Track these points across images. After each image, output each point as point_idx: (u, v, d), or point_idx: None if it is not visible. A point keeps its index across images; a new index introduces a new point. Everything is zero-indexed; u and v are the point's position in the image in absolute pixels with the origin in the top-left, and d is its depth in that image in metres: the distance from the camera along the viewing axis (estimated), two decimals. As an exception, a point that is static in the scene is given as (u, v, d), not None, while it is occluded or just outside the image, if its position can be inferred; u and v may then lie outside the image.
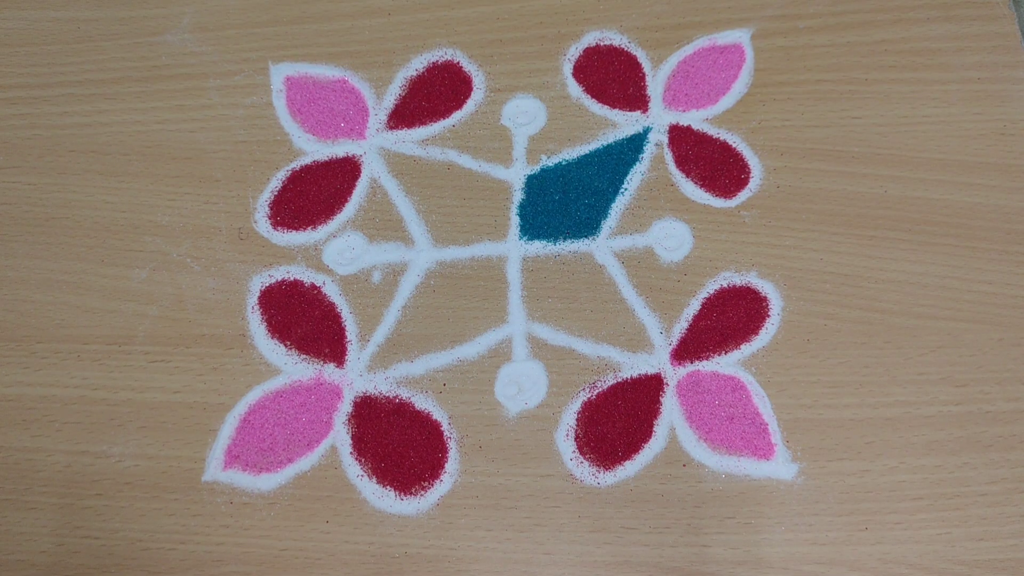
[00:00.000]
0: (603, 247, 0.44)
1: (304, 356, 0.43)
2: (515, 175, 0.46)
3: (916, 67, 0.47)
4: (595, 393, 0.41)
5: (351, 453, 0.41)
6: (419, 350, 0.43)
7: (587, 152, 0.47)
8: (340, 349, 0.43)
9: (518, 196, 0.46)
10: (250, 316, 0.43)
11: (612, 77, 0.48)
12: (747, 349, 0.42)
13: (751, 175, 0.45)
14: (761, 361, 0.41)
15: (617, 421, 0.41)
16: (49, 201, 0.47)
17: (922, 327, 0.42)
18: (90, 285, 0.45)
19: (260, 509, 0.40)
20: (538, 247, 0.45)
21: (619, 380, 0.41)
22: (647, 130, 0.47)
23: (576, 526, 0.39)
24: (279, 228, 0.46)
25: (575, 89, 0.48)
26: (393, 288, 0.44)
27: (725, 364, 0.41)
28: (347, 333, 0.43)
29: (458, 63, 0.49)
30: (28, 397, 0.42)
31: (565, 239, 0.45)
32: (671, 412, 0.41)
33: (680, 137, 0.47)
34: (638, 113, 0.47)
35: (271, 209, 0.46)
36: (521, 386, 0.41)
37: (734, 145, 0.46)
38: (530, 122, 0.47)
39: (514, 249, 0.45)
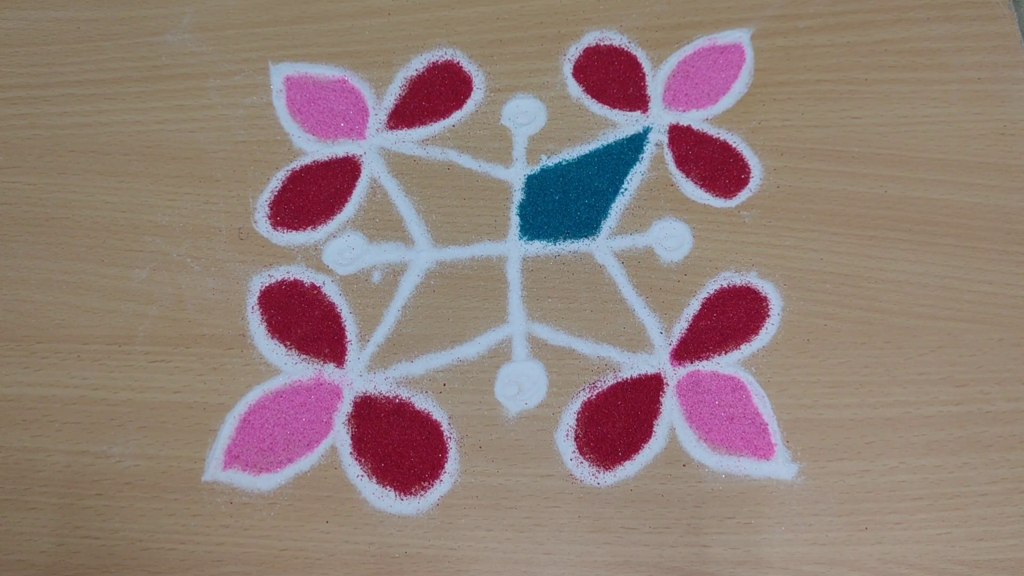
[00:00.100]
0: (603, 247, 0.44)
1: (304, 356, 0.43)
2: (515, 175, 0.46)
3: (916, 67, 0.47)
4: (595, 393, 0.41)
5: (351, 453, 0.41)
6: (419, 350, 0.43)
7: (587, 152, 0.47)
8: (340, 349, 0.43)
9: (518, 196, 0.46)
10: (250, 316, 0.43)
11: (612, 77, 0.48)
12: (747, 349, 0.42)
13: (751, 175, 0.45)
14: (761, 361, 0.41)
15: (617, 421, 0.41)
16: (49, 201, 0.47)
17: (922, 327, 0.42)
18: (90, 285, 0.45)
19: (260, 509, 0.40)
20: (538, 247, 0.45)
21: (619, 380, 0.41)
22: (647, 130, 0.47)
23: (576, 526, 0.39)
24: (279, 228, 0.46)
25: (575, 89, 0.48)
26: (393, 288, 0.44)
27: (725, 364, 0.41)
28: (347, 333, 0.43)
29: (458, 63, 0.49)
30: (28, 397, 0.42)
31: (565, 239, 0.45)
32: (671, 412, 0.41)
33: (680, 137, 0.47)
34: (638, 113, 0.47)
35: (271, 209, 0.46)
36: (521, 386, 0.41)
37: (734, 145, 0.46)
38: (530, 122, 0.47)
39: (514, 249, 0.45)
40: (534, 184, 0.46)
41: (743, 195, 0.45)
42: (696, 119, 0.47)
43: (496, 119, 0.48)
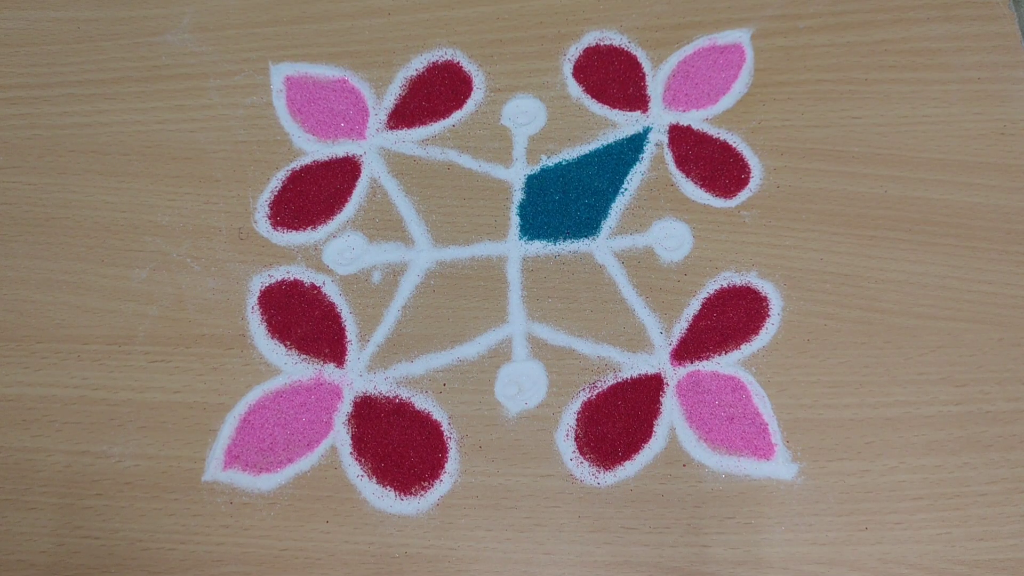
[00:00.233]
0: (603, 247, 0.44)
1: (304, 356, 0.43)
2: (515, 175, 0.46)
3: (916, 67, 0.47)
4: (595, 393, 0.41)
5: (351, 453, 0.41)
6: (419, 350, 0.43)
7: (587, 152, 0.47)
8: (340, 349, 0.43)
9: (518, 196, 0.46)
10: (250, 316, 0.43)
11: (612, 77, 0.48)
12: (747, 349, 0.42)
13: (751, 175, 0.45)
14: (761, 361, 0.41)
15: (617, 421, 0.41)
16: (49, 201, 0.47)
17: (922, 327, 0.41)
18: (90, 285, 0.45)
19: (260, 509, 0.40)
20: (538, 247, 0.45)
21: (619, 380, 0.41)
22: (647, 130, 0.47)
23: (576, 526, 0.39)
24: (279, 228, 0.46)
25: (575, 89, 0.48)
26: (393, 288, 0.44)
27: (725, 364, 0.41)
28: (347, 333, 0.43)
29: (458, 63, 0.49)
30: (28, 397, 0.42)
31: (565, 239, 0.45)
32: (671, 412, 0.41)
33: (680, 137, 0.47)
34: (638, 113, 0.47)
35: (271, 209, 0.46)
36: (521, 386, 0.41)
37: (734, 145, 0.46)
38: (530, 122, 0.47)
39: (514, 249, 0.45)
40: (534, 184, 0.46)
41: (743, 195, 0.45)
42: (696, 119, 0.47)
43: (496, 119, 0.48)
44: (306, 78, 0.49)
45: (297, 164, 0.47)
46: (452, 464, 0.40)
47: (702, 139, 0.46)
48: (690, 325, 0.42)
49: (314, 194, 0.46)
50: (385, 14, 0.51)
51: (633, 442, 0.40)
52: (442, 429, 0.41)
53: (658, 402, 0.41)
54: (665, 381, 0.41)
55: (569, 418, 0.41)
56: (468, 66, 0.49)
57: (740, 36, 0.49)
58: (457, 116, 0.48)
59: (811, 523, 0.38)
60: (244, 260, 0.45)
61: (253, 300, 0.44)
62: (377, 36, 0.50)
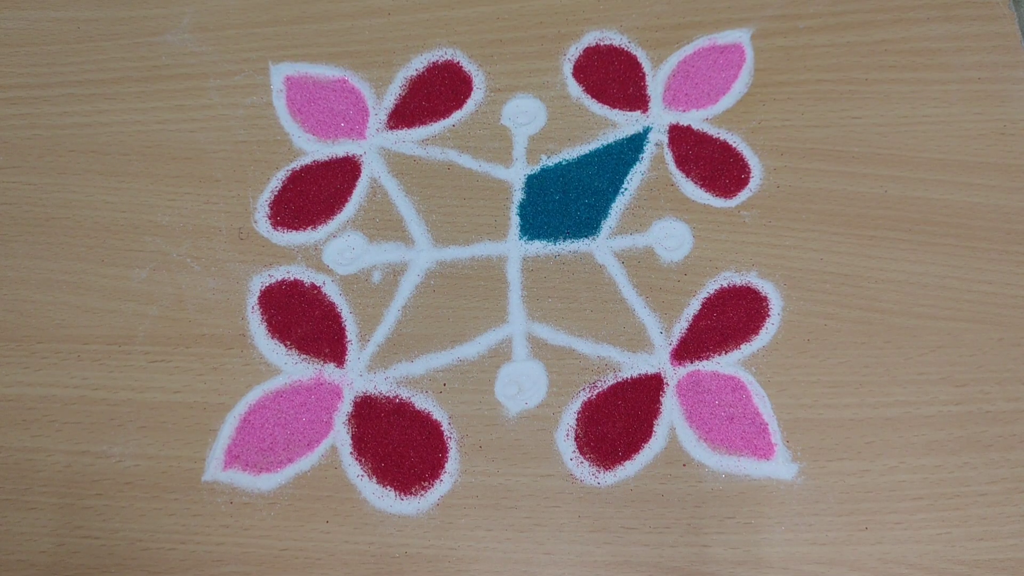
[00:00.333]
0: (603, 247, 0.44)
1: (304, 356, 0.43)
2: (515, 175, 0.46)
3: (916, 67, 0.47)
4: (595, 393, 0.41)
5: (351, 453, 0.41)
6: (419, 350, 0.43)
7: (587, 152, 0.47)
8: (340, 349, 0.43)
9: (518, 196, 0.46)
10: (250, 316, 0.43)
11: (612, 77, 0.48)
12: (747, 349, 0.42)
13: (751, 175, 0.45)
14: (761, 361, 0.41)
15: (617, 421, 0.41)
16: (49, 201, 0.47)
17: (922, 327, 0.42)
18: (90, 285, 0.45)
19: (260, 509, 0.40)
20: (538, 247, 0.45)
21: (619, 380, 0.41)
22: (647, 130, 0.47)
23: (576, 526, 0.39)
24: (279, 228, 0.46)
25: (575, 89, 0.48)
26: (393, 288, 0.44)
27: (725, 364, 0.41)
28: (347, 333, 0.43)
29: (458, 63, 0.49)
30: (28, 397, 0.42)
31: (565, 239, 0.45)
32: (671, 412, 0.41)
33: (680, 137, 0.47)
34: (638, 113, 0.47)
35: (271, 209, 0.46)
36: (521, 386, 0.41)
37: (734, 145, 0.46)
38: (530, 122, 0.47)
39: (514, 249, 0.45)
40: (534, 184, 0.46)
41: (743, 195, 0.45)
42: (696, 119, 0.47)
43: (496, 119, 0.48)
44: (306, 78, 0.49)
45: (297, 164, 0.47)
46: (452, 464, 0.40)
47: (702, 139, 0.46)
48: (690, 325, 0.42)
49: (314, 194, 0.46)
50: (385, 14, 0.51)
51: (633, 442, 0.40)
52: (442, 429, 0.41)
53: (658, 402, 0.41)
54: (665, 381, 0.41)
55: (569, 418, 0.41)
56: (468, 66, 0.49)
57: (740, 36, 0.49)
58: (457, 116, 0.48)
59: (811, 523, 0.38)
60: (244, 260, 0.45)
61: (253, 300, 0.44)
62: (377, 36, 0.50)
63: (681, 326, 0.42)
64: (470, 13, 0.51)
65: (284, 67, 0.50)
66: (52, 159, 0.48)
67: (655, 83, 0.48)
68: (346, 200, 0.46)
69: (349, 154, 0.47)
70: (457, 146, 0.47)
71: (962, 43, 0.48)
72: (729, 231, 0.44)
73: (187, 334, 0.43)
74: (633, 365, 0.42)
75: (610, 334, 0.42)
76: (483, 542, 0.39)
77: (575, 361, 0.42)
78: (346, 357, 0.43)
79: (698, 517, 0.39)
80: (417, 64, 0.49)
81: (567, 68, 0.49)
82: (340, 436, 0.41)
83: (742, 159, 0.46)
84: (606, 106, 0.48)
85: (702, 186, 0.45)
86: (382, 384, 0.42)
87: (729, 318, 0.42)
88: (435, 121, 0.48)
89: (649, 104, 0.48)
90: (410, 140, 0.48)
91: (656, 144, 0.47)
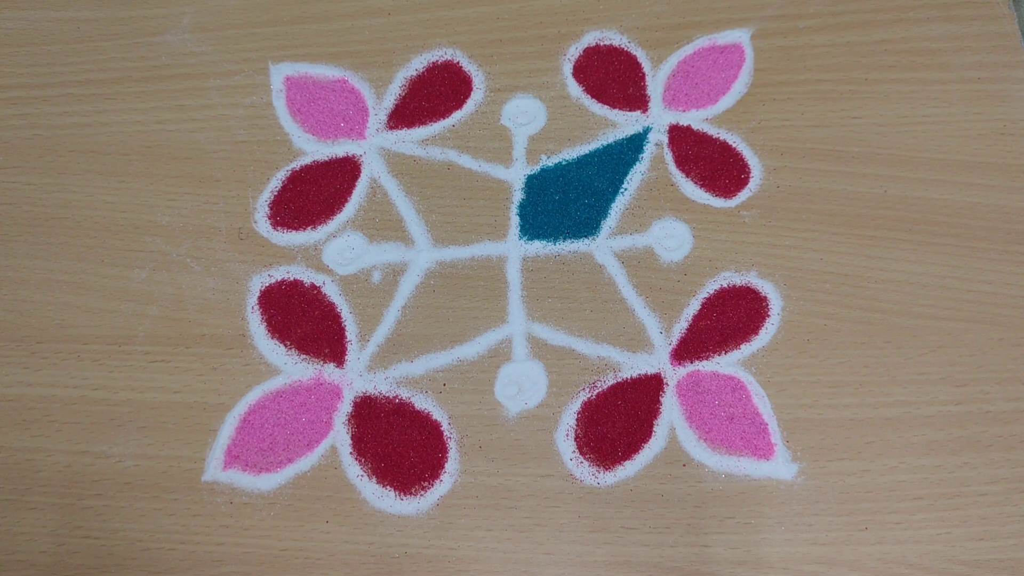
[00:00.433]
0: (603, 247, 0.44)
1: (304, 356, 0.43)
2: (515, 175, 0.46)
3: (916, 67, 0.47)
4: (595, 393, 0.41)
5: (351, 453, 0.41)
6: (419, 350, 0.43)
7: (587, 152, 0.47)
8: (340, 349, 0.43)
9: (518, 196, 0.46)
10: (250, 316, 0.43)
11: (612, 77, 0.48)
12: (747, 349, 0.42)
13: (751, 175, 0.45)
14: (761, 361, 0.41)
15: (617, 421, 0.41)
16: (49, 201, 0.47)
17: (922, 327, 0.42)
18: (90, 285, 0.45)
19: (260, 509, 0.40)
20: (538, 247, 0.45)
21: (619, 380, 0.41)
22: (647, 130, 0.47)
23: (576, 526, 0.39)
24: (279, 228, 0.46)
25: (575, 89, 0.48)
26: (393, 288, 0.44)
27: (725, 364, 0.41)
28: (347, 333, 0.43)
29: (458, 63, 0.49)
30: (28, 397, 0.42)
31: (565, 239, 0.45)
32: (671, 412, 0.41)
33: (680, 137, 0.47)
34: (638, 113, 0.47)
35: (271, 209, 0.46)
36: (521, 386, 0.41)
37: (734, 145, 0.46)
38: (530, 122, 0.47)
39: (514, 249, 0.45)
40: (534, 184, 0.46)
41: (743, 195, 0.45)
42: (696, 119, 0.47)
43: (496, 119, 0.48)
44: (306, 78, 0.49)
45: (297, 164, 0.47)
46: (452, 464, 0.40)
47: (702, 139, 0.46)
48: (690, 325, 0.42)
49: (314, 194, 0.46)
50: (385, 14, 0.51)
51: (633, 442, 0.40)
52: (442, 429, 0.41)
53: (658, 402, 0.41)
54: (665, 381, 0.41)
55: (569, 418, 0.41)
56: (468, 66, 0.49)
57: (740, 36, 0.49)
58: (457, 116, 0.48)
59: (811, 523, 0.38)
60: (244, 260, 0.45)
61: (253, 300, 0.44)
62: (377, 36, 0.50)
63: (681, 326, 0.42)
64: (470, 13, 0.51)
65: (284, 67, 0.50)
66: (52, 159, 0.48)
67: (655, 83, 0.48)
68: (346, 200, 0.46)
69: (349, 154, 0.47)
70: (457, 146, 0.47)
71: (962, 43, 0.48)
72: (729, 231, 0.44)
73: (187, 334, 0.43)
74: (633, 365, 0.42)
75: (610, 334, 0.42)
76: (483, 542, 0.39)
77: (575, 361, 0.42)
78: (346, 357, 0.43)
79: (698, 517, 0.39)
80: (417, 64, 0.49)
81: (567, 68, 0.49)
82: (340, 436, 0.41)
83: (742, 159, 0.46)
84: (606, 106, 0.48)
85: (702, 186, 0.45)
86: (382, 384, 0.42)
87: (729, 318, 0.42)
88: (435, 121, 0.48)
89: (649, 104, 0.48)
90: (410, 140, 0.48)
91: (656, 144, 0.47)
